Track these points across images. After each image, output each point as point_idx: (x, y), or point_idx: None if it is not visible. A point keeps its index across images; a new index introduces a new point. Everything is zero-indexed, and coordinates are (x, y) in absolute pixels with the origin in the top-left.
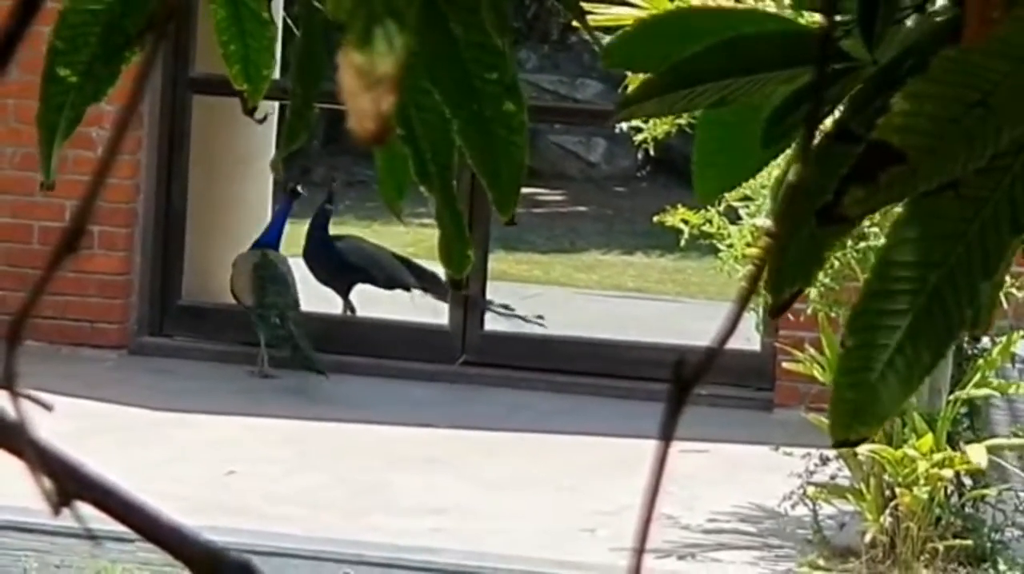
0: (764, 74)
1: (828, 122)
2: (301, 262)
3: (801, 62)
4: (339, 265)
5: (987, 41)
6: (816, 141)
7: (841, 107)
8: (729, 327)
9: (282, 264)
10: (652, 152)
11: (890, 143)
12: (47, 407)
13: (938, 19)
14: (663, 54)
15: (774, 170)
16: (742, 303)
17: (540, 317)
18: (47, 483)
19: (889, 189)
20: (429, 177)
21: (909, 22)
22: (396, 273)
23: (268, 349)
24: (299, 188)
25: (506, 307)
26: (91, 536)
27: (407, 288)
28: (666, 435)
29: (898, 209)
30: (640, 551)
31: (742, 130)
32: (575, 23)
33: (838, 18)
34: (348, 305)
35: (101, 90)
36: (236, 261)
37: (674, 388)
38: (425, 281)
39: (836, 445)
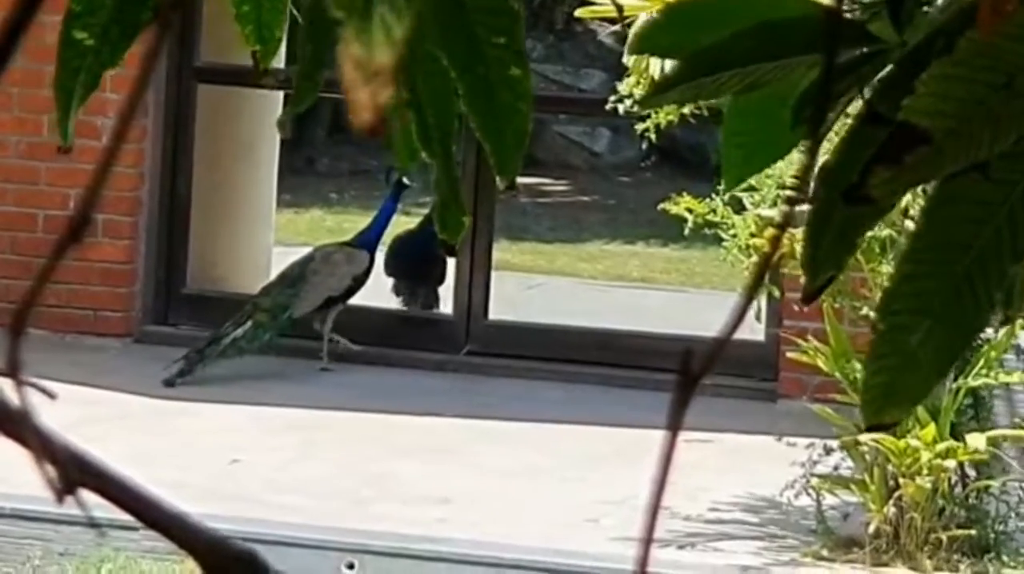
0: (791, 59)
1: (858, 105)
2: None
3: (824, 46)
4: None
5: (1008, 25)
6: (848, 125)
7: (870, 90)
8: (737, 318)
9: (325, 262)
10: (655, 141)
11: (916, 124)
12: (51, 395)
13: (966, 1)
14: (689, 40)
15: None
16: (750, 294)
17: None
18: (51, 471)
19: (914, 170)
20: (431, 143)
21: (937, 3)
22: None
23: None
24: (405, 180)
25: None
26: (95, 524)
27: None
28: (673, 426)
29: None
30: (648, 541)
31: (769, 115)
32: (579, 13)
33: (867, 0)
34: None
35: (117, 54)
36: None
37: (681, 379)
38: None
39: (868, 429)
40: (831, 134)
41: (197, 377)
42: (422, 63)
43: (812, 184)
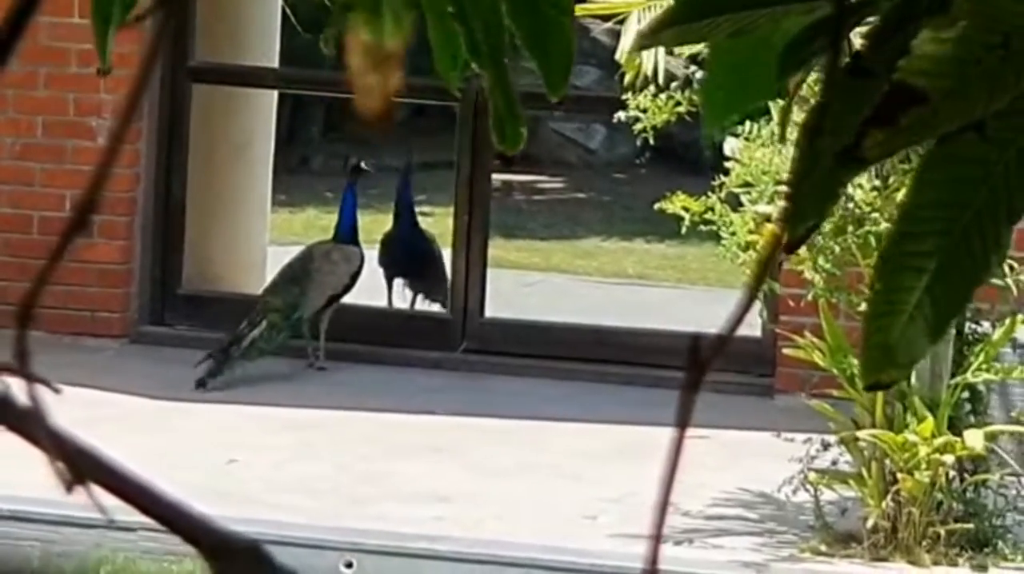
0: (782, 6)
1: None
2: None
3: None
4: (419, 257)
5: None
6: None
7: (857, 40)
8: (740, 313)
9: (325, 260)
10: (651, 141)
11: (912, 85)
12: (55, 390)
13: None
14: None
15: (774, 157)
16: (753, 291)
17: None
18: (60, 465)
19: (909, 131)
20: (480, 55)
21: None
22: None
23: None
24: (363, 164)
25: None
26: (93, 525)
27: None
28: (684, 413)
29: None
30: (657, 539)
31: (754, 57)
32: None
33: None
34: (389, 297)
35: None
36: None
37: (690, 372)
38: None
39: (867, 388)
40: (811, 84)
41: (227, 377)
42: None
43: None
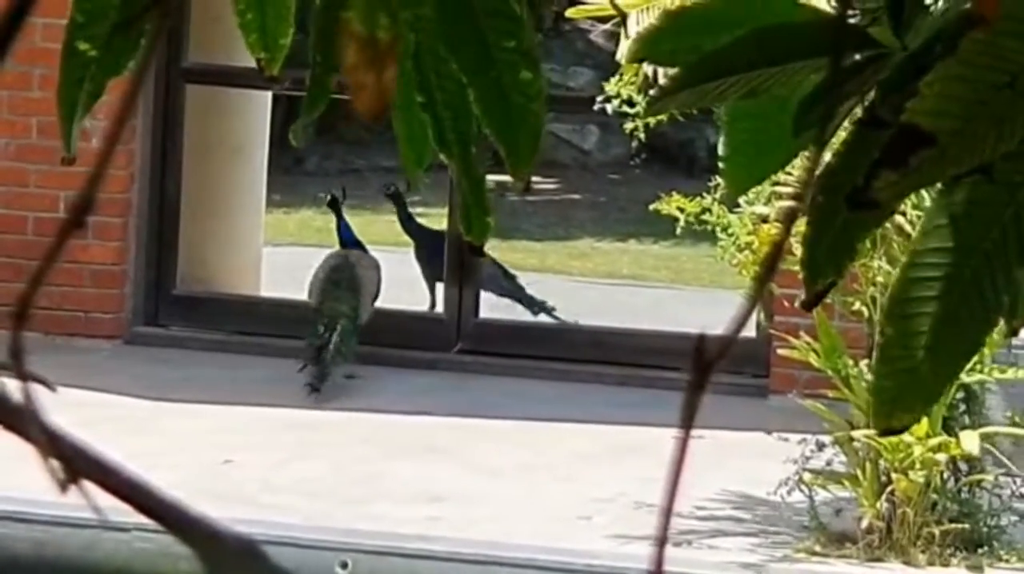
0: (793, 64)
1: (859, 111)
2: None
3: (829, 51)
4: (429, 258)
5: (1010, 23)
6: (849, 129)
7: (870, 94)
8: (744, 315)
9: (363, 267)
10: (643, 139)
11: (920, 126)
12: (51, 387)
13: (967, 5)
14: (689, 46)
15: None
16: (757, 294)
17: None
18: (54, 464)
19: (919, 172)
20: (448, 145)
21: (938, 6)
22: (490, 279)
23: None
24: (334, 193)
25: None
26: (87, 525)
27: (501, 294)
28: (689, 410)
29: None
30: (662, 541)
31: (771, 121)
32: (568, 12)
33: (868, 5)
34: (433, 300)
35: (121, 63)
36: (325, 258)
37: (694, 374)
38: (515, 290)
39: (881, 434)
40: (832, 141)
41: (329, 382)
42: (434, 67)
43: (812, 189)
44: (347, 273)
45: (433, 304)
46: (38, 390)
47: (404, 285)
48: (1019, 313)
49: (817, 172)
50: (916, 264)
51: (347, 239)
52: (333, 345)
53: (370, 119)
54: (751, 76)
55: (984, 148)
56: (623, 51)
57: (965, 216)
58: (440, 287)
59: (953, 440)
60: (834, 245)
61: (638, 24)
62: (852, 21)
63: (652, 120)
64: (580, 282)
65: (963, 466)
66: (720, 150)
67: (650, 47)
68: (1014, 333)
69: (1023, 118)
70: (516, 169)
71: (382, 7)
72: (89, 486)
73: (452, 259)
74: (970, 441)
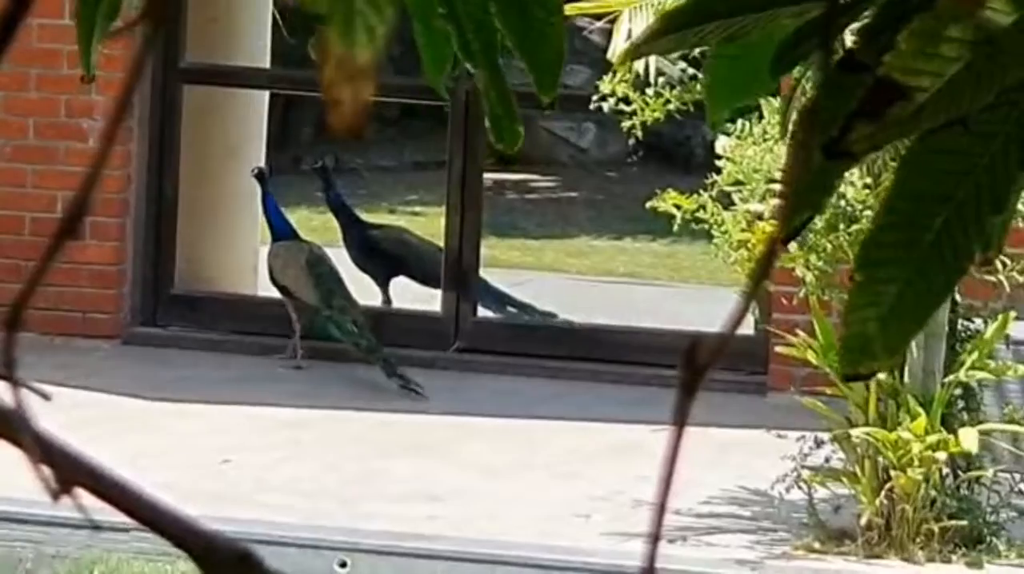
0: (774, 10)
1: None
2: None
3: None
4: (372, 253)
5: None
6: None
7: (849, 37)
8: (739, 317)
9: (328, 258)
10: (640, 137)
11: (896, 80)
12: (45, 397)
13: None
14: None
15: (766, 155)
16: (753, 292)
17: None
18: (46, 471)
19: (894, 126)
20: (473, 55)
21: None
22: (437, 270)
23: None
24: (261, 168)
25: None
26: (86, 526)
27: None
28: (681, 417)
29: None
30: (655, 538)
31: (756, 53)
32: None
33: None
34: (386, 297)
35: None
36: (278, 253)
37: (685, 375)
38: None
39: (845, 379)
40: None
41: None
42: None
43: (792, 124)
44: (326, 267)
45: (387, 301)
46: (31, 397)
47: (402, 283)
48: (992, 246)
49: (799, 108)
50: (890, 211)
51: (284, 227)
52: (367, 343)
53: (346, 135)
54: (731, 22)
55: (961, 104)
56: (613, 50)
57: (939, 165)
58: (393, 283)
59: (952, 437)
60: (812, 182)
61: (630, 22)
62: None
63: (649, 118)
64: (577, 280)
65: (962, 463)
66: (702, 78)
67: (648, 47)
68: (987, 262)
69: (1001, 73)
70: (540, 83)
71: (361, 23)
72: (81, 493)
73: (449, 271)
74: (969, 438)
